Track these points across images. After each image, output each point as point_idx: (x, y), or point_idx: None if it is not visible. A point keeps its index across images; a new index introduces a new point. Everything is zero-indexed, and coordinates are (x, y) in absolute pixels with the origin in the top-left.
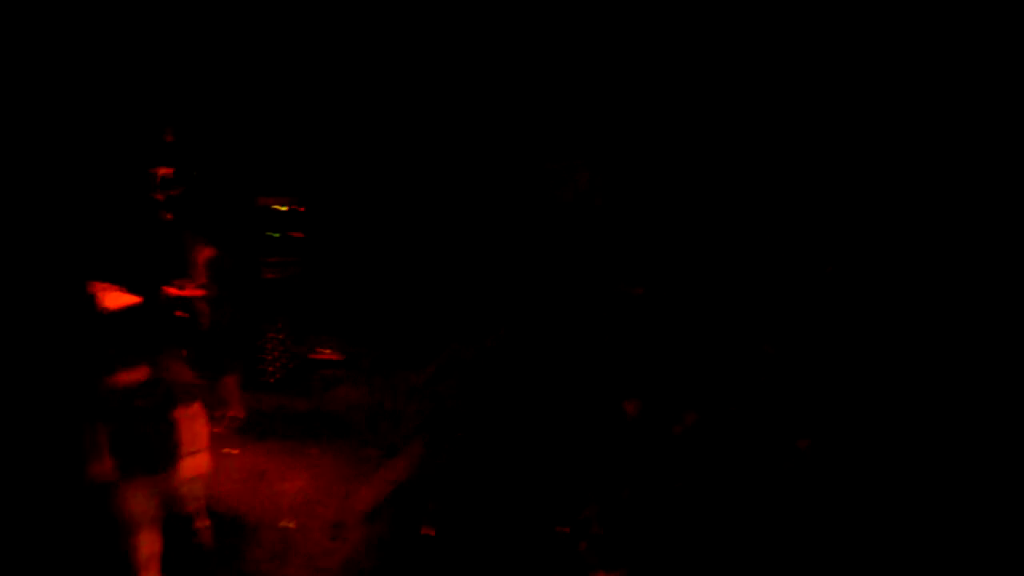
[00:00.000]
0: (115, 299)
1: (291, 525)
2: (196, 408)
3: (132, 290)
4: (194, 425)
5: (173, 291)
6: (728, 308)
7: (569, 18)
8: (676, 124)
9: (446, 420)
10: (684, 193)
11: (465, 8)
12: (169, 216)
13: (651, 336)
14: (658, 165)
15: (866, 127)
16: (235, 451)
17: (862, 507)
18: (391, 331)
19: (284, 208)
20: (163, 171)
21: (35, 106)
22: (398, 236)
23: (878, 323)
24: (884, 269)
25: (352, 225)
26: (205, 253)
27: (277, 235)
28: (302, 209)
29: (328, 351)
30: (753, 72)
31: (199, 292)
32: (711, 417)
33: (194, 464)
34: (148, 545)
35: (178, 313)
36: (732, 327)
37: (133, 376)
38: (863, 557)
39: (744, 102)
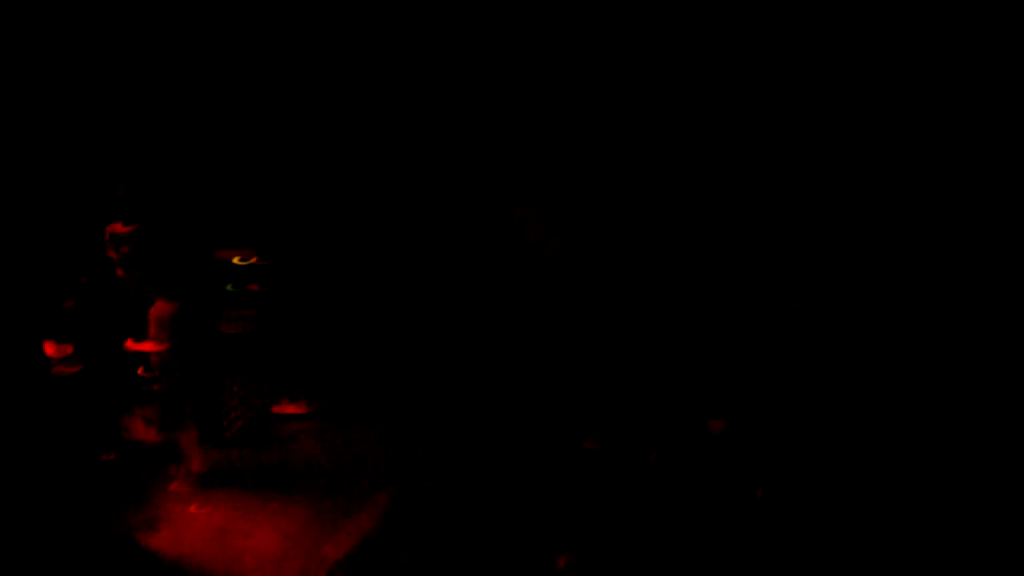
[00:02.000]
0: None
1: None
2: None
3: (86, 348)
4: None
5: (131, 347)
6: (688, 351)
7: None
8: (638, 166)
9: (414, 470)
10: (648, 233)
11: (429, 49)
12: (120, 272)
13: (611, 374)
14: (621, 208)
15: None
16: (194, 508)
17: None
18: (355, 382)
19: (242, 261)
20: (115, 227)
21: None
22: (360, 284)
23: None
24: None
25: (312, 275)
26: (161, 308)
27: (234, 289)
28: (260, 262)
29: (289, 404)
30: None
31: (157, 347)
32: (674, 452)
33: None
34: None
35: (139, 371)
36: (691, 370)
37: None
38: None
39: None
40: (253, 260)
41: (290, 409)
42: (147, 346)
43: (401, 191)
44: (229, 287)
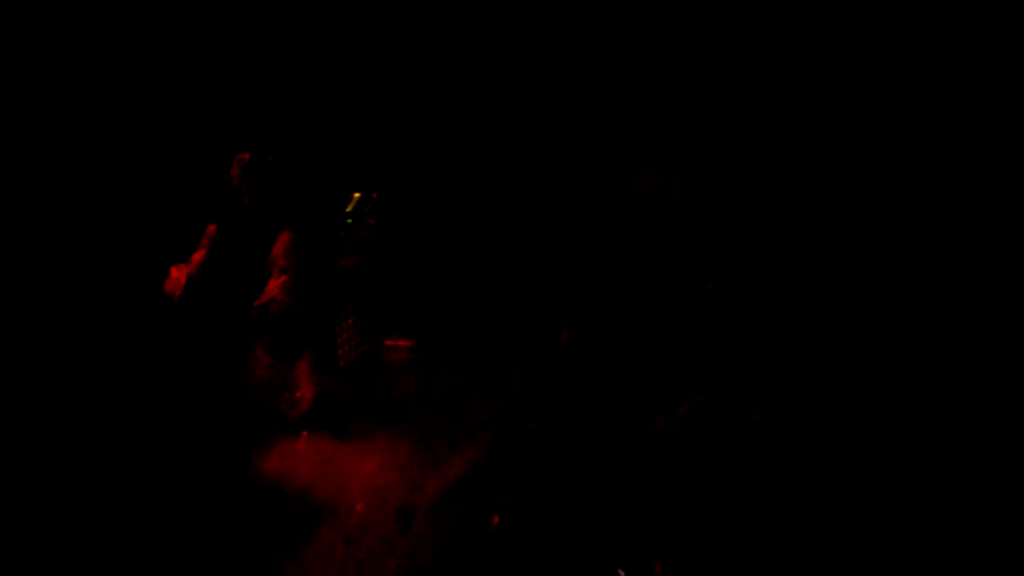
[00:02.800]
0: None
1: (360, 508)
2: None
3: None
4: None
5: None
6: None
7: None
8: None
9: (515, 412)
10: (761, 191)
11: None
12: (247, 200)
13: (723, 336)
14: (736, 162)
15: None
16: (304, 436)
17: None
18: (463, 320)
19: (359, 195)
20: (242, 156)
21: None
22: (472, 225)
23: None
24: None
25: (426, 213)
26: (283, 237)
27: (351, 222)
28: (375, 196)
29: (399, 338)
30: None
31: (281, 275)
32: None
33: None
34: None
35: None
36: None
37: None
38: None
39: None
40: (372, 195)
41: (400, 343)
42: (273, 276)
43: (513, 135)
44: (348, 220)
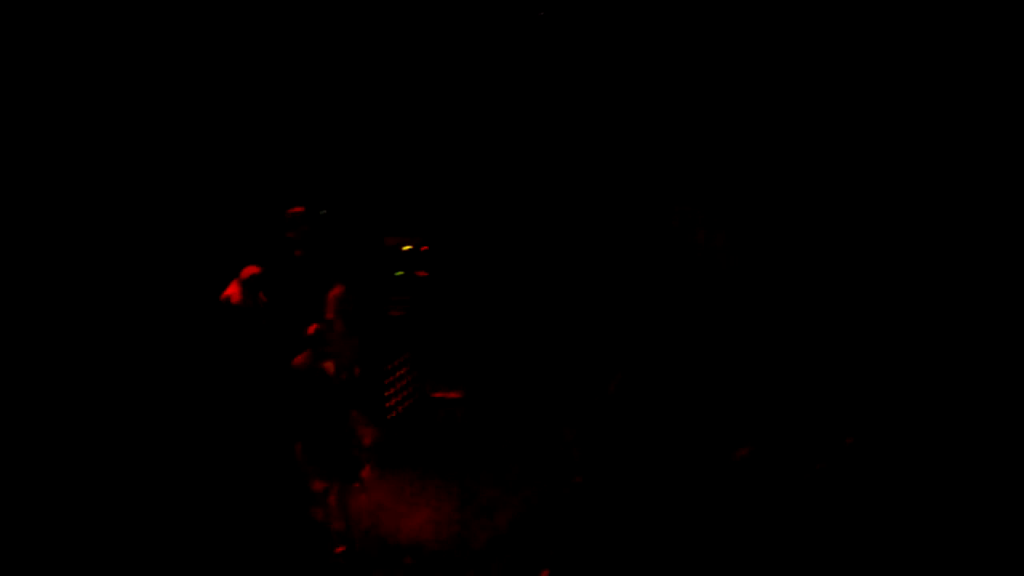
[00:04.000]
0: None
1: (408, 561)
2: None
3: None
4: None
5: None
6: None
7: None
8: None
9: (563, 463)
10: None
11: (593, 50)
12: (299, 253)
13: (766, 382)
14: (784, 212)
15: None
16: (357, 485)
17: None
18: (512, 371)
19: (409, 248)
20: (294, 210)
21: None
22: (521, 276)
23: None
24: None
25: (476, 265)
26: (334, 290)
27: (401, 273)
28: (425, 248)
29: (448, 389)
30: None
31: (334, 327)
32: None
33: None
34: None
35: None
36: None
37: None
38: None
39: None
40: (420, 247)
41: (448, 394)
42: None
43: (562, 186)
44: (398, 272)
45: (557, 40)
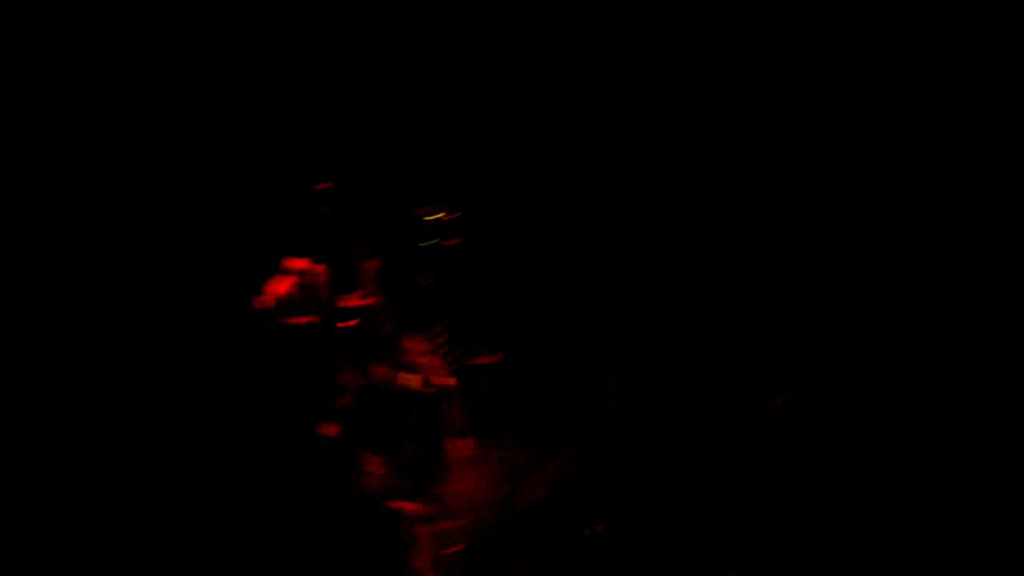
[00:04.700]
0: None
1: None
2: None
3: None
4: None
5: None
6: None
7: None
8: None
9: (603, 424)
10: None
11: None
12: (327, 229)
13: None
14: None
15: None
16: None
17: None
18: (550, 332)
19: (439, 216)
20: (320, 186)
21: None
22: (554, 233)
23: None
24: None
25: (507, 224)
26: (368, 263)
27: (428, 243)
28: (452, 216)
29: (487, 353)
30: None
31: (368, 301)
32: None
33: None
34: None
35: (349, 323)
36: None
37: None
38: None
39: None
40: (445, 215)
41: (484, 360)
42: (361, 300)
43: (586, 141)
44: (423, 242)
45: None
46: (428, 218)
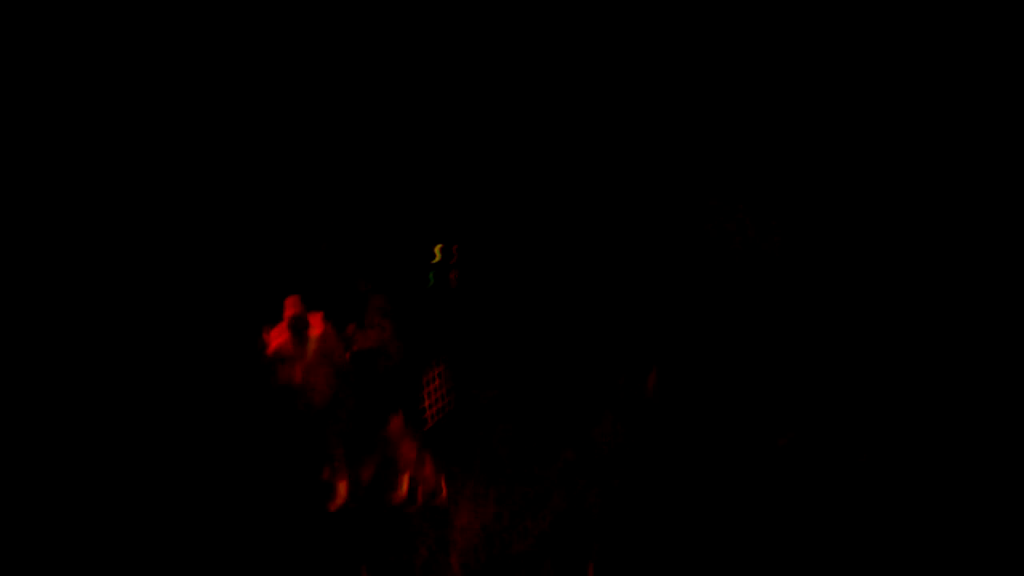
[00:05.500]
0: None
1: (453, 560)
2: None
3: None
4: None
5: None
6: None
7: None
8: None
9: (600, 464)
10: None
11: (625, 43)
12: (334, 265)
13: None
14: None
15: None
16: (405, 489)
17: None
18: (547, 368)
19: (441, 252)
20: (329, 224)
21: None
22: (553, 272)
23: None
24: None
25: (507, 262)
26: (375, 299)
27: (435, 280)
28: (458, 255)
29: (486, 388)
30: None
31: (380, 335)
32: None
33: None
34: None
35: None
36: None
37: None
38: None
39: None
40: (453, 248)
41: (486, 392)
42: (372, 333)
43: (593, 182)
44: (431, 275)
45: (584, 37)
46: (432, 255)
